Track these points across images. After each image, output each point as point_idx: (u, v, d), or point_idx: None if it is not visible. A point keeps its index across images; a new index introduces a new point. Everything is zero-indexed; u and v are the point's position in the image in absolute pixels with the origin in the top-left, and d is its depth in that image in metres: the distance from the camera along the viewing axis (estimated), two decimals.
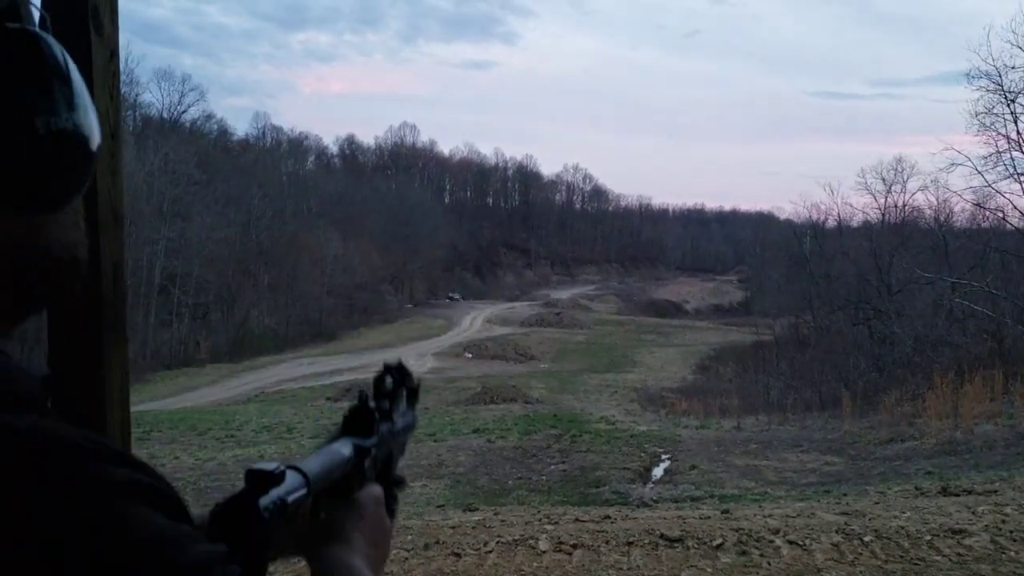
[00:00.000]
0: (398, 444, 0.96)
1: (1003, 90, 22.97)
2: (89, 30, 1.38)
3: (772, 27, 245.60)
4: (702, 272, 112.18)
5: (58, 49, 0.55)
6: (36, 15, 0.57)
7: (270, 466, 0.59)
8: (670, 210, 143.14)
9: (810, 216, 47.68)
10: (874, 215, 42.27)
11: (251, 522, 0.55)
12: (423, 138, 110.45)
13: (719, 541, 5.64)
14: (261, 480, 0.57)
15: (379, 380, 0.93)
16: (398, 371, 0.95)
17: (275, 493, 0.57)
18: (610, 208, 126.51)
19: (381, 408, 0.90)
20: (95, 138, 0.57)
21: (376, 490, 0.83)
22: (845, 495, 8.71)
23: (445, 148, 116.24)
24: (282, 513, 0.57)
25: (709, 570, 5.16)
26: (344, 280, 52.28)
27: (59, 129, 0.53)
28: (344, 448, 0.78)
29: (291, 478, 0.61)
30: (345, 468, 0.77)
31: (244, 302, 45.23)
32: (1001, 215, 25.51)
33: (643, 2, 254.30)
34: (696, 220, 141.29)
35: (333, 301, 50.84)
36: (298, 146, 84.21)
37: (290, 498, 0.59)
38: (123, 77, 1.66)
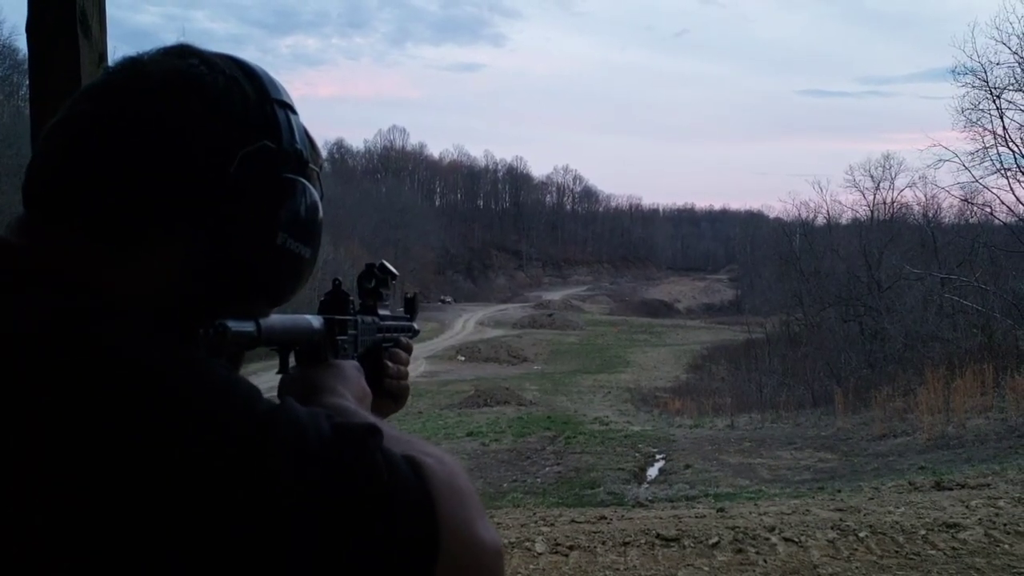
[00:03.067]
0: (390, 339, 1.01)
1: (988, 86, 23.13)
2: (77, 33, 1.37)
3: (761, 27, 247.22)
4: (693, 271, 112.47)
5: (313, 194, 0.72)
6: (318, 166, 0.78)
7: None
8: (660, 210, 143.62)
9: (799, 214, 48.01)
10: (863, 212, 42.55)
11: (183, 335, 0.61)
12: (413, 141, 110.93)
13: (715, 539, 5.64)
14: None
15: (362, 278, 0.99)
16: (381, 270, 1.00)
17: (215, 322, 0.64)
18: (600, 209, 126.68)
19: (365, 303, 0.97)
20: (310, 268, 0.73)
21: (355, 363, 0.88)
22: (839, 491, 8.73)
23: (435, 151, 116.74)
24: (220, 336, 0.63)
25: (706, 569, 5.16)
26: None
27: (291, 250, 0.69)
28: (314, 320, 0.84)
29: (241, 320, 0.68)
30: (313, 336, 0.83)
31: None
32: (989, 210, 25.68)
33: (632, 3, 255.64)
34: (686, 219, 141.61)
35: None
36: None
37: (232, 327, 0.64)
38: None
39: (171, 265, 0.64)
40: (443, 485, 0.57)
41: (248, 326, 0.68)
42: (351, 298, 0.91)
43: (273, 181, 0.67)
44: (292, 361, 0.85)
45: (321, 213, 0.74)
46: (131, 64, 0.67)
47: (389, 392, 1.00)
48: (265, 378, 0.82)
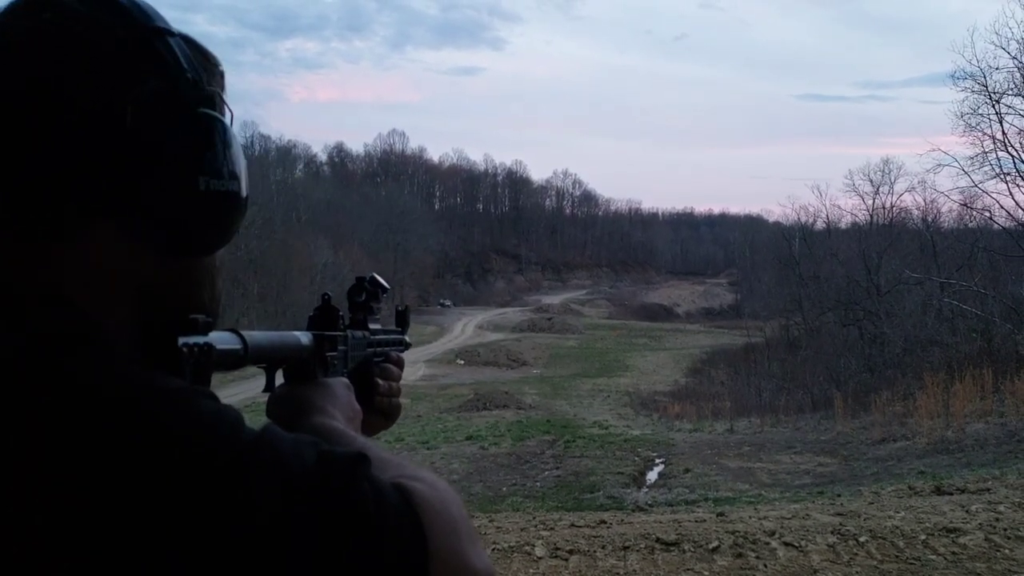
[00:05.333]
0: (381, 354, 0.99)
1: (988, 91, 23.16)
2: None
3: (759, 31, 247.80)
4: (692, 275, 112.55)
5: (222, 123, 0.64)
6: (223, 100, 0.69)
7: (199, 317, 0.64)
8: (659, 214, 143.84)
9: (799, 218, 48.11)
10: (862, 216, 42.72)
11: (167, 355, 0.59)
12: (412, 145, 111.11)
13: (715, 544, 5.63)
14: (185, 325, 0.62)
15: (352, 292, 0.97)
16: (371, 284, 0.98)
17: (199, 338, 0.61)
18: (600, 213, 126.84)
19: (355, 317, 0.95)
20: (244, 199, 0.67)
21: (344, 380, 0.85)
22: (839, 496, 8.72)
23: (434, 155, 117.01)
24: (206, 356, 0.61)
25: (706, 573, 5.15)
26: (334, 288, 51.30)
27: (217, 190, 0.63)
28: (303, 336, 0.81)
29: (226, 335, 0.66)
30: (302, 352, 0.80)
31: (233, 311, 45.00)
32: (988, 215, 25.71)
33: (631, 7, 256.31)
34: (686, 223, 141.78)
35: None
36: (287, 154, 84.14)
37: (218, 346, 0.63)
38: None
39: (100, 252, 0.59)
40: (433, 512, 0.56)
41: (234, 344, 0.66)
42: (341, 313, 0.89)
43: (174, 123, 0.60)
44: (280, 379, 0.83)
45: (236, 138, 0.66)
46: None
47: (380, 409, 0.97)
48: (264, 381, 0.81)
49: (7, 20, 0.60)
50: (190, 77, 0.62)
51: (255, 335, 0.70)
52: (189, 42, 0.65)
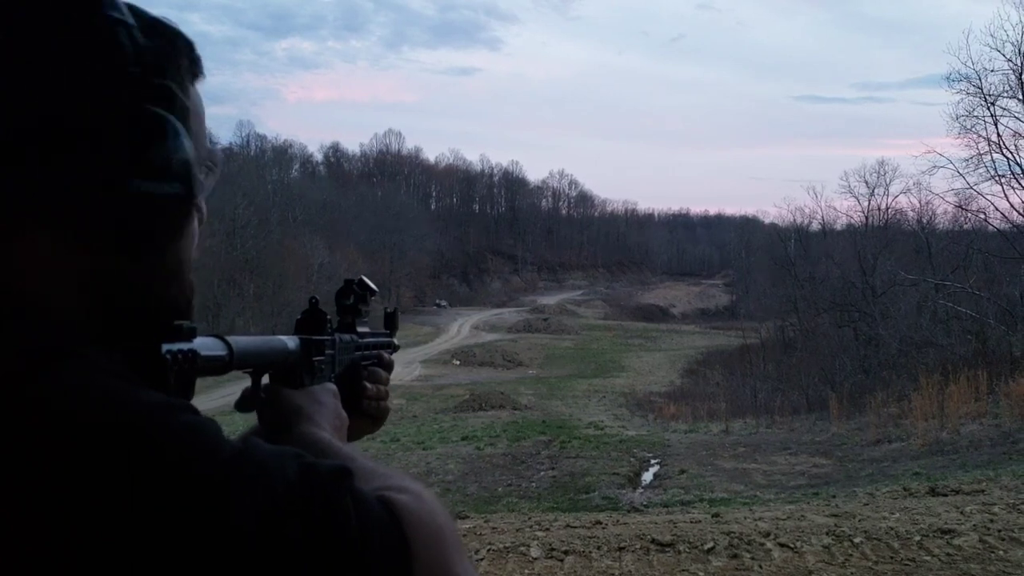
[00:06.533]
0: (369, 357, 0.99)
1: (983, 93, 23.22)
2: None
3: (757, 32, 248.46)
4: (688, 276, 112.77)
5: (173, 123, 0.59)
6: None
7: (183, 324, 0.62)
8: (656, 215, 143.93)
9: (794, 219, 48.31)
10: (858, 218, 42.75)
11: (151, 363, 0.57)
12: (408, 145, 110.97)
13: (710, 545, 5.64)
14: (168, 331, 0.60)
15: (340, 294, 0.96)
16: (360, 286, 0.98)
17: (183, 345, 0.60)
18: (596, 213, 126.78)
19: (343, 321, 0.95)
20: (186, 197, 0.61)
21: (331, 385, 0.85)
22: (834, 497, 8.74)
23: (431, 155, 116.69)
24: (190, 363, 0.59)
25: (701, 574, 5.15)
26: (330, 288, 50.89)
27: (153, 192, 0.58)
28: (289, 340, 0.80)
29: (210, 341, 0.65)
30: (289, 357, 0.79)
31: (229, 312, 44.92)
32: (983, 217, 25.77)
33: (628, 8, 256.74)
34: (682, 224, 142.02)
35: None
36: (283, 154, 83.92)
37: (202, 352, 0.62)
38: None
39: (36, 251, 0.56)
40: (419, 524, 0.55)
41: (219, 351, 0.65)
42: (328, 316, 0.89)
43: (109, 121, 0.56)
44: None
45: (183, 134, 0.60)
46: None
47: (367, 413, 0.96)
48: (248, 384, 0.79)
49: None
50: (133, 71, 0.57)
51: (240, 340, 0.69)
52: (151, 25, 0.60)
